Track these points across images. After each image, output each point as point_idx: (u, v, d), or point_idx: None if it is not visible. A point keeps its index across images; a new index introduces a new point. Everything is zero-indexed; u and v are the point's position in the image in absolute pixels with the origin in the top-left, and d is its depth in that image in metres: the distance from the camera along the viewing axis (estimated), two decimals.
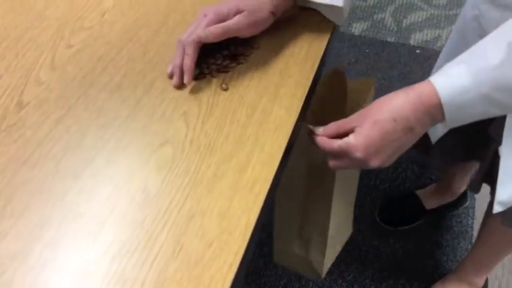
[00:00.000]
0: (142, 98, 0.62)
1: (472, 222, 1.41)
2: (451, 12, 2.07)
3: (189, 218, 0.51)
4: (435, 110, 0.53)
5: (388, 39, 1.95)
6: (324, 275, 0.88)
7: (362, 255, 1.35)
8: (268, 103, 0.61)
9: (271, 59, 0.67)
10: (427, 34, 1.98)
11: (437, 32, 1.98)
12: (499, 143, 0.71)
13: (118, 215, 0.52)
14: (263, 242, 1.36)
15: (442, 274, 1.29)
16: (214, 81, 0.64)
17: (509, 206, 0.75)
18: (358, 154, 0.55)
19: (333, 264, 1.31)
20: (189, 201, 0.53)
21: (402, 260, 1.34)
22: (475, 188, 1.03)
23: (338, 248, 0.93)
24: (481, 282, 1.18)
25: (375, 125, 0.55)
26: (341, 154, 0.57)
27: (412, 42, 1.94)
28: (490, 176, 0.91)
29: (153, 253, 0.49)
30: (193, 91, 0.63)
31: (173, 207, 0.52)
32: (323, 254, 0.85)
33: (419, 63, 1.85)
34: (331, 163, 0.60)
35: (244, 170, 0.55)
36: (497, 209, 0.76)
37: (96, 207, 0.52)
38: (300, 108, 0.61)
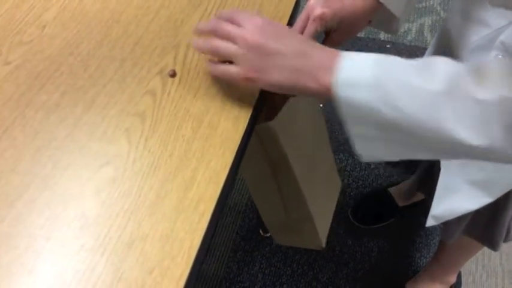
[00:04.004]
0: (82, 117, 0.59)
1: None
2: (420, 5, 2.06)
3: (129, 244, 0.49)
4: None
5: (358, 35, 1.93)
6: (324, 245, 0.94)
7: (336, 256, 1.34)
8: (215, 116, 0.59)
9: None
10: None
11: (407, 25, 1.98)
12: None
13: (54, 244, 0.49)
14: (237, 247, 1.34)
15: (416, 271, 1.28)
16: (159, 92, 0.61)
17: (442, 221, 0.75)
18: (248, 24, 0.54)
19: (307, 266, 1.30)
20: (130, 225, 0.50)
21: (377, 258, 1.33)
22: (408, 195, 1.03)
23: (330, 212, 0.98)
24: (452, 279, 1.18)
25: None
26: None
27: (382, 37, 1.93)
28: (424, 185, 0.91)
29: (91, 284, 0.46)
30: (137, 105, 0.60)
31: (113, 234, 0.49)
32: (315, 232, 0.88)
33: None
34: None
35: (188, 189, 0.53)
36: (430, 222, 0.76)
37: (31, 238, 0.49)
38: (248, 120, 0.58)
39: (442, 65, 0.47)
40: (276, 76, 0.53)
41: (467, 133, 0.44)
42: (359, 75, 0.48)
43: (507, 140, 0.44)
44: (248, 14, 0.56)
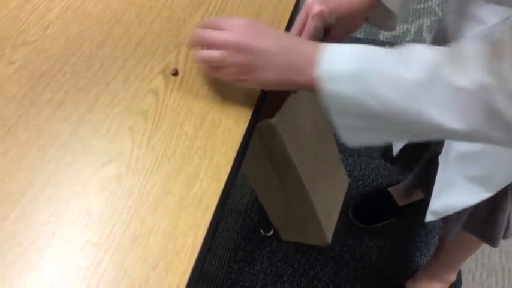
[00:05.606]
0: (86, 115, 0.59)
1: None
2: (419, 6, 2.07)
3: (133, 241, 0.49)
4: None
5: (358, 36, 1.94)
6: (329, 240, 0.94)
7: (337, 255, 1.34)
8: (217, 114, 0.59)
9: None
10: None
11: (405, 26, 1.98)
12: (436, 149, 0.71)
13: (58, 241, 0.49)
14: (238, 247, 1.35)
15: (416, 270, 1.29)
16: (162, 91, 0.62)
17: (441, 216, 0.76)
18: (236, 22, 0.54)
19: (308, 265, 1.31)
20: (133, 222, 0.51)
21: (377, 257, 1.34)
22: (407, 193, 1.03)
23: (337, 208, 1.00)
24: (452, 277, 1.18)
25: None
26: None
27: (381, 37, 1.94)
28: (422, 182, 0.92)
29: (95, 280, 0.47)
30: (140, 104, 0.60)
31: (116, 231, 0.50)
32: (320, 228, 0.89)
33: None
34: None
35: (191, 185, 0.53)
36: (429, 218, 0.76)
37: (35, 235, 0.50)
38: (250, 118, 0.59)
39: (420, 54, 0.48)
40: (265, 75, 0.54)
41: (449, 119, 0.46)
42: (340, 68, 0.50)
43: (487, 124, 0.45)
44: (228, 17, 0.57)
